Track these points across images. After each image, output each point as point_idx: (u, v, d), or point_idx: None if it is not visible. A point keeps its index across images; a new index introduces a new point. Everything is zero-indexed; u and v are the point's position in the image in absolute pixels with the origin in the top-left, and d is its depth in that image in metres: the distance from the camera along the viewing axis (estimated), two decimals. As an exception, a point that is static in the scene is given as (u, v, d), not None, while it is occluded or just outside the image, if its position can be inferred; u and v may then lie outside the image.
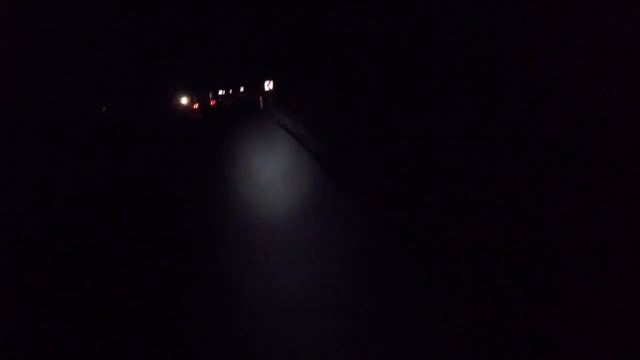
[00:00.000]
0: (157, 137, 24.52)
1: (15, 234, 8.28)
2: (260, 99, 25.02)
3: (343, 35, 9.23)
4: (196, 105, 40.47)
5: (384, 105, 7.24)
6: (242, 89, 52.14)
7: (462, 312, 2.88)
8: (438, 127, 5.35)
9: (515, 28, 3.73)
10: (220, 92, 51.72)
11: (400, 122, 6.55)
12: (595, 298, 2.58)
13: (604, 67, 2.87)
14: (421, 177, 5.52)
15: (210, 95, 48.55)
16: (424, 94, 5.69)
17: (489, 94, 4.23)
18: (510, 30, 3.78)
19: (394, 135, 6.71)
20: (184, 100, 39.54)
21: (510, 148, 3.93)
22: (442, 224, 4.28)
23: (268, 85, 21.68)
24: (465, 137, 4.69)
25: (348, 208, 5.01)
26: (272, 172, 7.44)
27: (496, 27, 4.02)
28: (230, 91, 52.93)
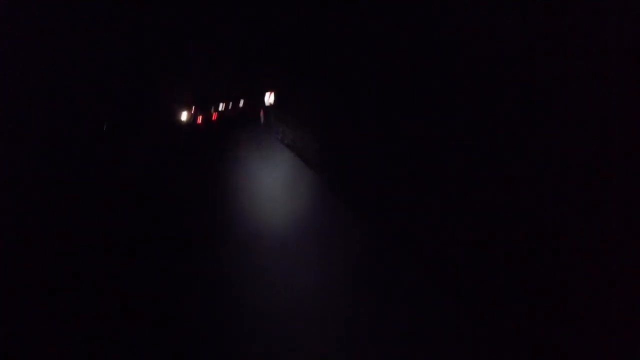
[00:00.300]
0: (158, 152, 24.39)
1: (15, 234, 8.28)
2: (262, 112, 24.41)
3: (344, 46, 9.24)
4: (199, 119, 45.99)
5: (385, 111, 7.24)
6: (241, 103, 55.74)
7: (463, 316, 2.88)
8: (438, 128, 5.34)
9: (515, 28, 3.73)
10: (221, 106, 56.17)
11: (401, 129, 6.56)
12: (596, 298, 2.58)
13: (604, 67, 2.86)
14: (422, 186, 5.53)
15: (212, 109, 54.34)
16: (424, 96, 5.69)
17: (489, 94, 4.23)
18: (510, 30, 3.78)
19: (396, 144, 6.72)
20: (186, 114, 43.19)
21: (510, 148, 3.93)
22: (443, 233, 4.29)
23: (269, 98, 21.18)
24: (465, 137, 4.69)
25: (348, 221, 4.89)
26: (272, 184, 7.39)
27: (496, 27, 4.02)
28: (230, 105, 57.26)
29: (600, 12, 2.88)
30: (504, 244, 3.48)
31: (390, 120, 6.94)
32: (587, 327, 2.45)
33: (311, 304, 3.35)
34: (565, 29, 3.22)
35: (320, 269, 4.02)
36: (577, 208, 3.13)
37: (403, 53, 6.26)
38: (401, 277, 3.53)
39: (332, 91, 10.79)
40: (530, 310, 2.70)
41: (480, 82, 4.40)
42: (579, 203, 3.12)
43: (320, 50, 11.42)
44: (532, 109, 3.68)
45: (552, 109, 3.43)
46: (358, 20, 8.23)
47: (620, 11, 2.71)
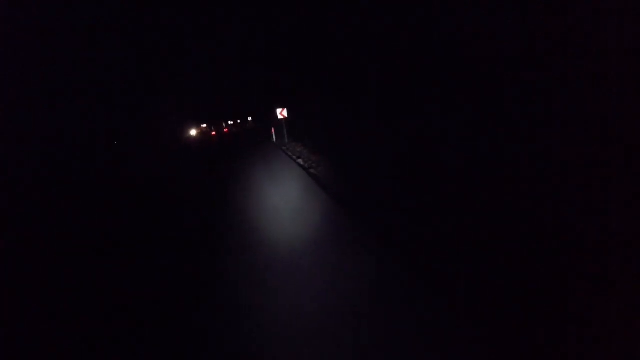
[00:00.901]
0: (161, 156, 24.36)
1: (15, 234, 8.29)
2: (273, 130, 23.63)
3: (344, 46, 9.23)
4: (213, 132, 55.94)
5: (385, 112, 7.25)
6: (249, 119, 64.04)
7: (463, 316, 2.88)
8: (438, 128, 5.35)
9: (515, 28, 3.73)
10: (230, 122, 64.97)
11: (401, 129, 6.56)
12: (596, 298, 2.58)
13: (604, 67, 2.87)
14: (422, 186, 5.53)
15: (224, 124, 62.64)
16: (424, 96, 5.69)
17: (489, 94, 4.23)
18: (510, 30, 3.78)
19: (397, 144, 6.74)
20: (199, 129, 54.74)
21: (510, 148, 3.93)
22: (443, 233, 4.28)
23: (282, 113, 20.65)
24: (465, 137, 4.69)
25: (357, 238, 4.77)
26: (282, 202, 7.33)
27: (496, 27, 4.02)
28: (239, 121, 65.30)
29: (600, 12, 2.88)
30: (504, 244, 3.48)
31: (390, 121, 6.95)
32: (587, 327, 2.44)
33: (312, 303, 3.35)
34: (565, 29, 3.22)
35: (321, 271, 4.02)
36: (577, 208, 3.13)
37: (403, 53, 6.27)
38: (401, 277, 3.54)
39: (333, 92, 10.75)
40: (530, 310, 2.70)
41: (480, 82, 4.41)
42: (579, 203, 3.12)
43: (320, 51, 11.36)
44: (532, 109, 3.69)
45: (552, 109, 3.43)
46: (358, 20, 8.22)
47: (620, 11, 2.71)
